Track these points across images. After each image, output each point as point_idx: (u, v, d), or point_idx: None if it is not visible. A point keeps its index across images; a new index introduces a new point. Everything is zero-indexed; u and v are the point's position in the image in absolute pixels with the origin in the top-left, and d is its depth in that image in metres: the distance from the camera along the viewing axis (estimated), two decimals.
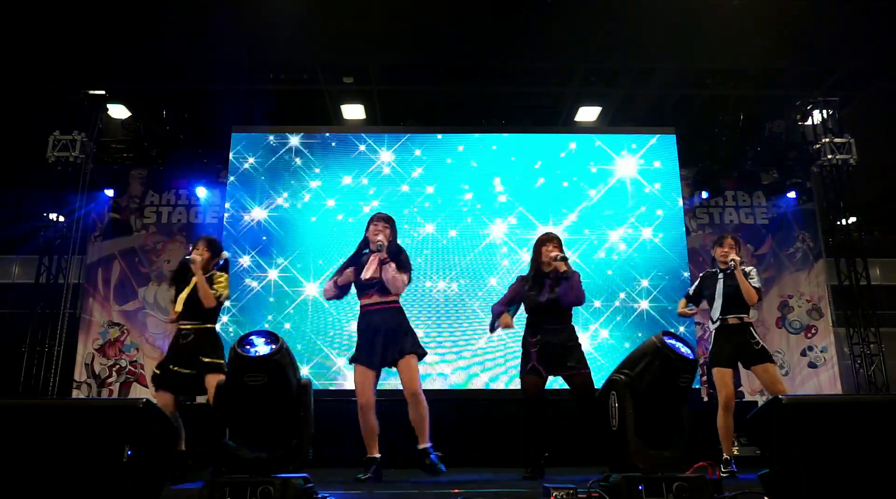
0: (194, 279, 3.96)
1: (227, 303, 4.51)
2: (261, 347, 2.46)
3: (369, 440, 3.87)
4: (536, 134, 7.52)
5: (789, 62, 6.97)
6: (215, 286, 3.99)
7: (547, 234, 4.31)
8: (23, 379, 6.81)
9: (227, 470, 2.43)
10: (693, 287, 4.53)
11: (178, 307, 3.99)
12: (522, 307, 4.30)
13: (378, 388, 4.05)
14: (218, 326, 4.15)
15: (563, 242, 4.27)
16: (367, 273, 3.86)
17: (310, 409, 2.53)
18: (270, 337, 2.50)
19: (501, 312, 4.21)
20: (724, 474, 4.14)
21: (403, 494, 3.25)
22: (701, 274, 4.56)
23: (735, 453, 5.89)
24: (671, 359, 2.46)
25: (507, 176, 7.26)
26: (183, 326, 4.01)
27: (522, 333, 4.26)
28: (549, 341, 4.07)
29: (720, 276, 4.33)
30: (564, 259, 4.09)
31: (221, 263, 4.16)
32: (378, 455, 3.85)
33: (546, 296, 4.10)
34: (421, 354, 3.97)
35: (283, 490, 2.28)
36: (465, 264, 6.95)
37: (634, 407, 2.50)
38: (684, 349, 2.51)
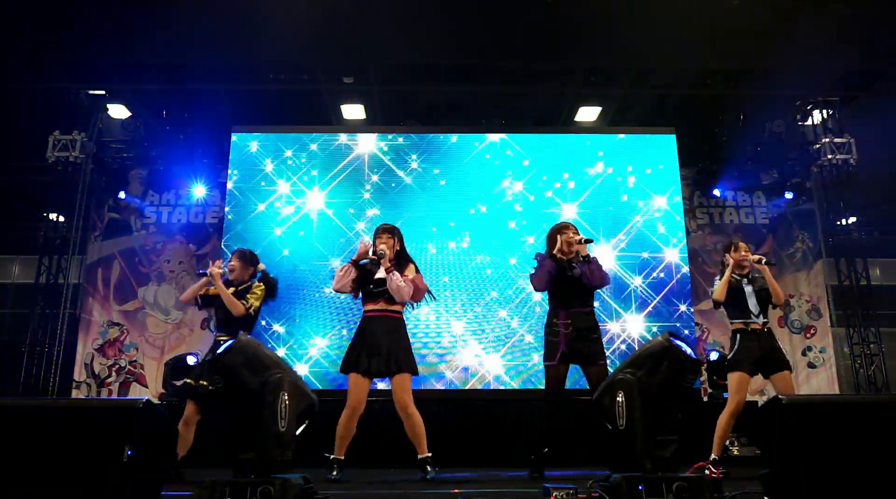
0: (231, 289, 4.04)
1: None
2: (218, 351, 2.47)
3: (342, 442, 3.94)
4: (536, 134, 7.51)
5: (789, 62, 6.96)
6: (248, 296, 4.04)
7: (562, 222, 4.30)
8: (23, 379, 6.81)
9: (234, 470, 2.43)
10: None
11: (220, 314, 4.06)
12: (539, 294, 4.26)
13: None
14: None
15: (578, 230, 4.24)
16: (378, 275, 3.94)
17: (274, 408, 2.43)
18: (232, 339, 2.51)
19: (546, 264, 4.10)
20: (714, 475, 4.08)
21: (403, 494, 3.26)
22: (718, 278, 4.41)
23: (735, 453, 5.92)
24: (680, 359, 2.47)
25: (505, 176, 7.25)
26: (220, 338, 4.02)
27: (546, 318, 4.20)
28: (579, 327, 4.03)
29: (743, 281, 4.28)
30: (590, 241, 4.07)
31: (260, 274, 4.21)
32: (343, 458, 3.94)
33: (575, 274, 4.06)
34: (414, 372, 4.03)
35: (283, 490, 2.28)
36: (466, 265, 6.95)
37: (644, 407, 2.50)
38: (689, 349, 2.52)
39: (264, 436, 2.41)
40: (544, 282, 4.06)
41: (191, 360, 6.37)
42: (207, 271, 4.02)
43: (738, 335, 4.24)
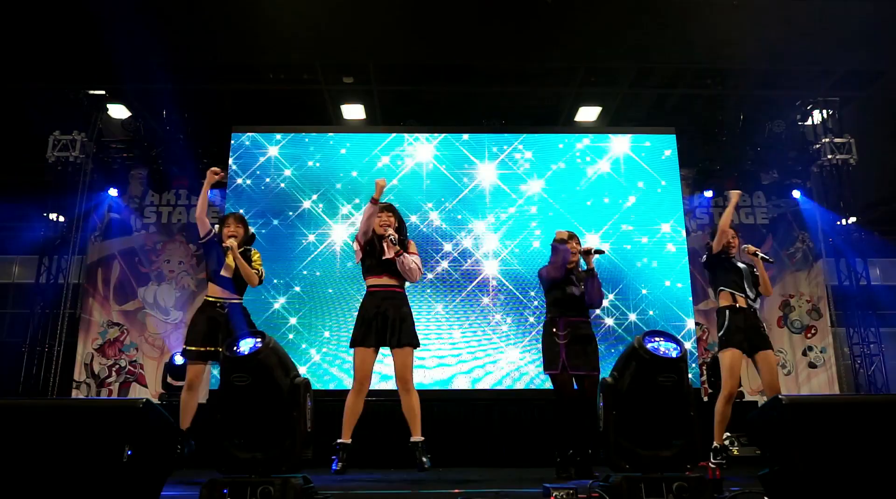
0: (229, 256, 4.04)
1: None
2: (246, 348, 2.47)
3: (350, 421, 3.91)
4: (536, 134, 7.51)
5: (789, 62, 6.96)
6: (254, 265, 4.12)
7: (567, 232, 4.35)
8: (23, 379, 6.81)
9: (226, 470, 2.43)
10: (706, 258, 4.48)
11: (226, 273, 4.03)
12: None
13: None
14: None
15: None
16: (388, 255, 3.97)
17: (304, 409, 2.52)
18: (259, 337, 2.51)
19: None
20: (713, 465, 4.11)
21: (404, 494, 3.26)
22: (708, 257, 4.47)
23: (735, 453, 5.92)
24: (646, 359, 2.49)
25: (504, 175, 7.25)
26: (215, 297, 4.08)
27: (542, 330, 4.27)
28: (577, 336, 4.10)
29: (735, 259, 4.39)
30: (600, 252, 4.17)
31: (251, 234, 4.30)
32: (350, 441, 3.89)
33: (576, 290, 4.16)
34: (416, 345, 4.06)
35: (283, 490, 2.29)
36: (465, 265, 6.95)
37: (619, 408, 2.53)
38: (666, 349, 2.52)
39: (297, 436, 2.47)
40: (559, 267, 4.14)
41: (178, 359, 6.36)
42: (226, 245, 4.04)
43: (727, 311, 4.28)
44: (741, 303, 4.25)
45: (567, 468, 4.01)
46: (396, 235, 3.98)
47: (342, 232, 7.01)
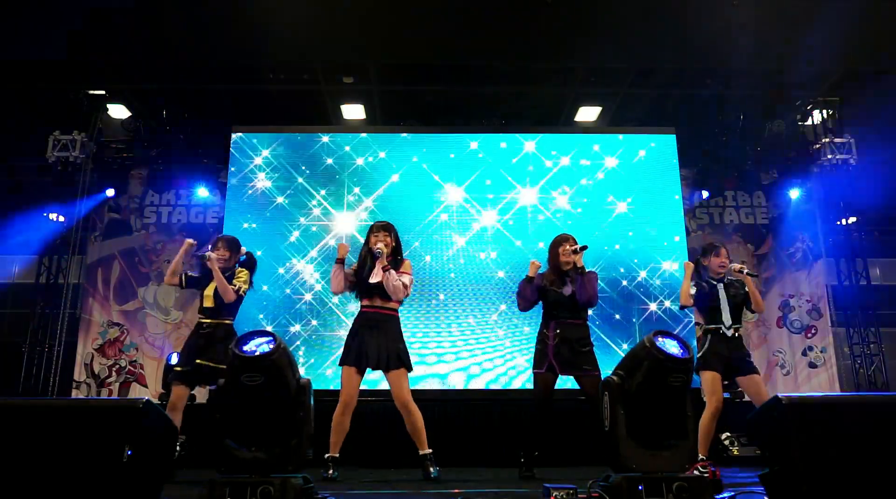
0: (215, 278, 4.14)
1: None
2: (259, 347, 2.46)
3: (337, 439, 3.97)
4: (536, 134, 7.51)
5: (789, 62, 6.97)
6: (235, 281, 4.19)
7: (562, 234, 4.41)
8: (23, 379, 6.81)
9: (226, 470, 2.43)
10: (693, 291, 4.42)
11: (207, 302, 4.17)
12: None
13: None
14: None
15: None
16: (373, 279, 4.01)
17: (309, 409, 2.54)
18: (269, 337, 2.50)
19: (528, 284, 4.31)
20: (704, 474, 4.12)
21: (403, 494, 3.26)
22: (694, 284, 4.39)
23: (735, 453, 5.94)
24: (659, 359, 2.47)
25: (505, 175, 7.25)
26: (204, 321, 4.19)
27: (538, 329, 4.34)
28: (567, 337, 4.14)
29: (719, 286, 4.25)
30: (584, 248, 4.20)
31: (243, 258, 4.37)
32: (338, 455, 3.96)
33: (566, 290, 4.21)
34: (409, 368, 4.07)
35: (283, 490, 2.29)
36: (465, 265, 6.95)
37: (627, 408, 2.52)
38: (675, 349, 2.50)
39: (304, 436, 2.49)
40: (524, 307, 4.34)
41: (174, 359, 6.36)
42: (206, 255, 4.15)
43: (709, 335, 4.20)
44: (724, 331, 4.17)
45: (531, 468, 4.15)
46: (385, 250, 4.00)
47: (342, 232, 7.01)
